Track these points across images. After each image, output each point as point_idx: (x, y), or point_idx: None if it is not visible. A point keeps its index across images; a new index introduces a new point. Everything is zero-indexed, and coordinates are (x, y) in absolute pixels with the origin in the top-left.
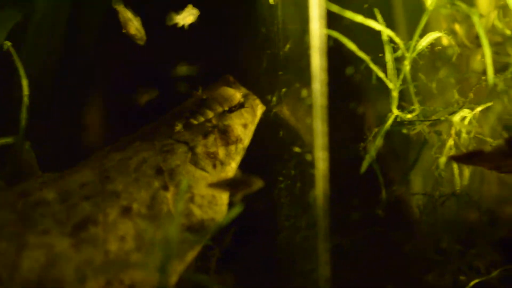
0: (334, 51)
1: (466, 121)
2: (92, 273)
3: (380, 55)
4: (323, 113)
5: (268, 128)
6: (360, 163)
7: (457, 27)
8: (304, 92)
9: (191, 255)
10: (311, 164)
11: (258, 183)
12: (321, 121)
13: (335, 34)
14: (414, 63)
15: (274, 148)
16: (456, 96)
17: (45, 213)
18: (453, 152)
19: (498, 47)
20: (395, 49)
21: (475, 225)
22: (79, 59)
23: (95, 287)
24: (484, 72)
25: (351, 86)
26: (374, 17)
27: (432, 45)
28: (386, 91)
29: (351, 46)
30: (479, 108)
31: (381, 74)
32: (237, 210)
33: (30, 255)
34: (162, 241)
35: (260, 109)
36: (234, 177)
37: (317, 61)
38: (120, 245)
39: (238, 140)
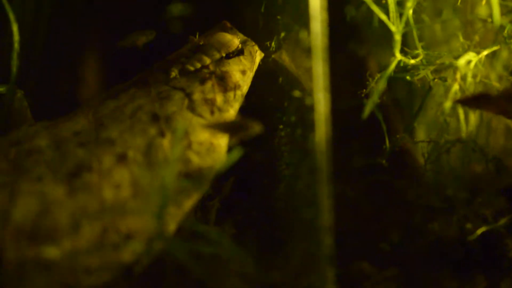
0: None
1: (472, 65)
2: (87, 221)
3: None
4: (323, 55)
5: (267, 75)
6: (362, 109)
7: None
8: (303, 35)
9: (189, 203)
10: (312, 109)
11: (257, 127)
12: (321, 63)
13: None
14: (417, 5)
15: (273, 95)
16: (461, 39)
17: (38, 161)
18: (458, 96)
19: None
20: None
21: (481, 173)
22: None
23: (91, 235)
24: (490, 16)
25: (351, 28)
26: None
27: None
28: (389, 34)
29: None
30: (485, 52)
31: (383, 16)
32: (236, 154)
33: (23, 203)
34: (158, 188)
35: (258, 55)
36: (232, 121)
37: (317, 1)
38: (115, 193)
39: (236, 87)
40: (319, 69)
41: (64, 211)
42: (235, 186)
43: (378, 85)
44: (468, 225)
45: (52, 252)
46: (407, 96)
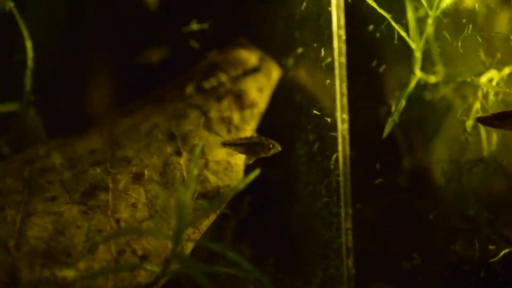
0: (352, 8)
1: (494, 83)
2: (102, 241)
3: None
4: (342, 73)
5: (284, 92)
6: (381, 128)
7: None
8: (322, 52)
9: (205, 223)
10: (331, 128)
11: (275, 147)
12: (340, 82)
13: None
14: (437, 22)
15: (290, 113)
16: (483, 57)
17: (53, 180)
18: (480, 115)
19: None
20: (417, 7)
21: (503, 192)
22: (85, 20)
23: (107, 256)
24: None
25: (371, 46)
26: None
27: (456, 4)
28: (408, 51)
29: (371, 2)
30: (507, 69)
31: (403, 33)
32: (253, 175)
33: (37, 223)
34: (175, 208)
35: (276, 72)
36: (250, 140)
37: (337, 19)
38: (131, 213)
39: (253, 105)
40: (338, 87)
41: (79, 231)
42: (251, 205)
43: (398, 104)
44: (491, 246)
45: (67, 272)
46: (427, 114)
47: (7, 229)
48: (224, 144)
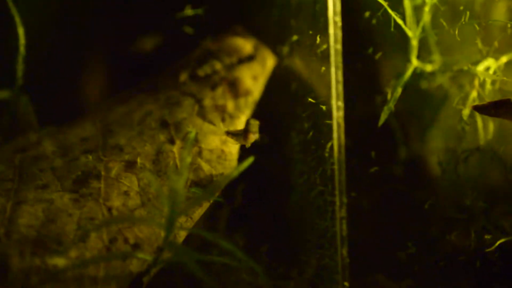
0: None
1: (491, 71)
2: (94, 229)
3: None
4: (338, 61)
5: (279, 81)
6: (377, 117)
7: None
8: (317, 40)
9: (198, 212)
10: (326, 116)
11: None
12: (336, 69)
13: None
14: (434, 10)
15: (285, 102)
16: (480, 45)
17: (44, 168)
18: (476, 104)
19: None
20: None
21: (500, 182)
22: (78, 7)
23: (98, 244)
24: (510, 20)
25: (367, 33)
26: None
27: None
28: (405, 39)
29: None
30: (504, 58)
31: (400, 21)
32: (247, 163)
33: (28, 211)
34: (168, 196)
35: (271, 60)
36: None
37: (333, 5)
38: (123, 201)
39: (247, 93)
40: (334, 74)
41: (70, 219)
42: (245, 194)
43: (394, 92)
44: (487, 236)
45: (58, 261)
46: (423, 103)
47: None
48: (227, 133)
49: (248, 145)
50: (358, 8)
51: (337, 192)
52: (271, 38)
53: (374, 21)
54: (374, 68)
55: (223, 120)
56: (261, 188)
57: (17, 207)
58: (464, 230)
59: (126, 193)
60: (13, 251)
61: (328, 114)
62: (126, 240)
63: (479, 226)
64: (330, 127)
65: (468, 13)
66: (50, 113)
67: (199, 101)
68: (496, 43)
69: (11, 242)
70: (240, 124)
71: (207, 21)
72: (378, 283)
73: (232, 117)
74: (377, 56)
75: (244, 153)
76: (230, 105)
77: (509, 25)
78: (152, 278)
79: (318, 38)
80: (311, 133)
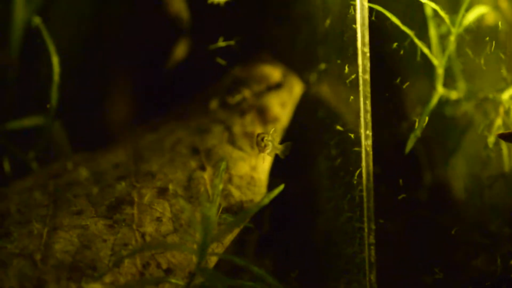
0: (376, 25)
1: None
2: (128, 255)
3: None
4: (367, 91)
5: (307, 108)
6: (403, 143)
7: (502, 3)
8: (346, 69)
9: (229, 238)
10: (354, 143)
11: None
12: (364, 99)
13: (378, 8)
14: (459, 39)
15: (313, 129)
16: (505, 73)
17: (78, 194)
18: (501, 131)
19: None
20: (439, 24)
21: None
22: (110, 34)
23: (132, 269)
24: None
25: (394, 62)
26: None
27: (478, 21)
28: (431, 68)
29: (395, 20)
30: None
31: (426, 50)
32: (278, 190)
33: (64, 237)
34: (200, 222)
35: (298, 88)
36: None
37: (361, 36)
38: (156, 227)
39: (275, 120)
40: (362, 104)
41: (105, 245)
42: (274, 219)
43: (420, 120)
44: None
45: (93, 286)
46: (448, 129)
47: (34, 243)
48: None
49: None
50: (385, 38)
51: (365, 219)
52: (298, 66)
53: (401, 52)
54: (401, 96)
55: (252, 147)
56: (289, 214)
57: (53, 233)
58: (490, 256)
59: (158, 219)
60: (50, 277)
61: (357, 142)
62: (159, 265)
63: (505, 251)
64: (358, 154)
65: (494, 42)
66: (81, 138)
67: (228, 128)
68: None
69: (47, 267)
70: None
71: (237, 49)
72: None
73: None
74: (405, 85)
75: (272, 178)
76: (259, 132)
77: None
78: None
79: (346, 68)
80: (339, 160)
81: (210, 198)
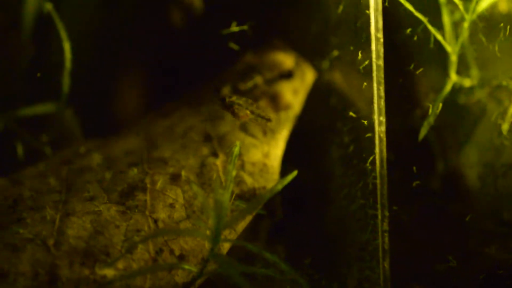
0: (389, 11)
1: None
2: (141, 242)
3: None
4: (381, 76)
5: (319, 95)
6: (417, 130)
7: None
8: (359, 55)
9: (242, 224)
10: (367, 130)
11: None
12: (378, 84)
13: None
14: (473, 25)
15: (325, 116)
16: None
17: (91, 180)
18: None
19: None
20: (452, 11)
21: None
22: (121, 21)
23: (145, 255)
24: None
25: (407, 49)
26: None
27: (492, 7)
28: (444, 55)
29: (408, 6)
30: None
31: (439, 37)
32: (290, 177)
33: (76, 222)
34: (213, 209)
35: (310, 75)
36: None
37: (375, 22)
38: (169, 213)
39: (288, 107)
40: (376, 90)
41: (117, 231)
42: (286, 206)
43: (434, 107)
44: None
45: (106, 271)
46: (461, 117)
47: (47, 228)
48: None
49: None
50: (398, 25)
51: (379, 206)
52: (311, 52)
53: (415, 38)
54: (414, 83)
55: (264, 133)
56: (302, 201)
57: (66, 218)
58: (503, 244)
59: (171, 206)
60: (63, 262)
61: (370, 128)
62: (171, 252)
63: None
64: (371, 141)
65: (508, 28)
66: (93, 125)
67: None
68: None
69: (60, 252)
70: (281, 138)
71: (250, 35)
72: None
73: (273, 130)
74: (418, 71)
75: (285, 165)
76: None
77: None
78: None
79: (359, 54)
80: (352, 147)
81: (223, 185)
